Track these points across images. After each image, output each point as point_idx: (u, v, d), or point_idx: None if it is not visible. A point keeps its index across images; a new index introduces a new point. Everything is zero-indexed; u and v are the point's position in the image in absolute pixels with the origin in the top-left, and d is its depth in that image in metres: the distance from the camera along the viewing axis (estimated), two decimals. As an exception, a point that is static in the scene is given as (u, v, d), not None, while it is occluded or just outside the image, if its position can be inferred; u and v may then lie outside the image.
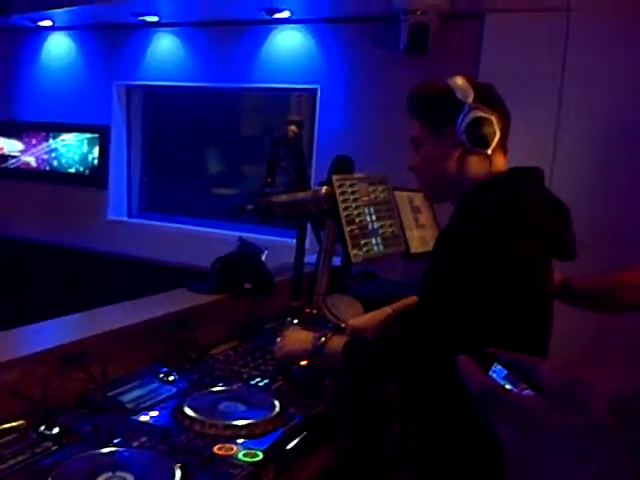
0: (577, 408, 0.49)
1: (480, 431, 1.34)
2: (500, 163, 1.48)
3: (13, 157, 5.43)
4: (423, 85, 1.55)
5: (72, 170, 5.22)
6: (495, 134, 1.43)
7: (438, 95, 1.48)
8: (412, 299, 1.83)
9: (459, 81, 1.45)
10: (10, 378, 1.40)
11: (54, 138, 5.27)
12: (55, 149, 5.28)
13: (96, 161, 5.08)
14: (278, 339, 1.74)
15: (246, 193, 4.07)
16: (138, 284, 2.74)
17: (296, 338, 1.65)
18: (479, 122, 1.41)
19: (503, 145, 1.48)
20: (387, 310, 1.85)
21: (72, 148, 5.20)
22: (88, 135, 5.11)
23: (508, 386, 0.56)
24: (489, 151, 1.43)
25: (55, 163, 5.28)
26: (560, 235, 1.46)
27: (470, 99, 1.42)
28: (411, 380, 1.45)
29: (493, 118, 1.43)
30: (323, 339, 1.53)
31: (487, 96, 1.46)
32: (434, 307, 1.35)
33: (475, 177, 1.45)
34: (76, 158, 5.19)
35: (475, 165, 1.45)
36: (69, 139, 5.20)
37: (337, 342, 1.52)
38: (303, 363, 1.69)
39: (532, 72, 3.28)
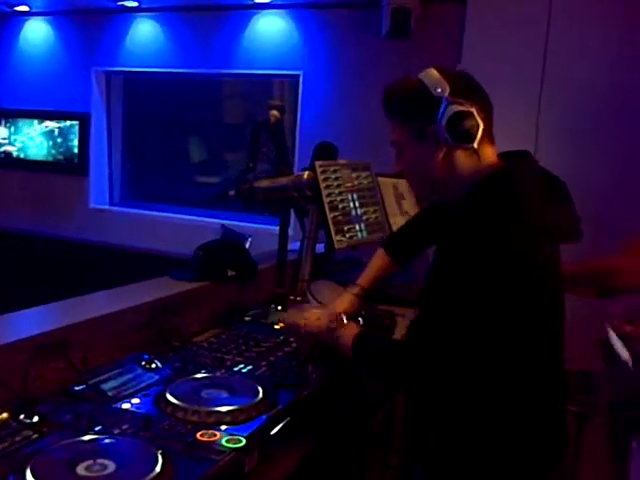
0: None
1: (485, 438, 1.35)
2: (489, 154, 1.41)
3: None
4: (395, 84, 1.47)
5: (52, 158, 5.15)
6: (478, 126, 1.36)
7: (413, 93, 1.39)
8: (378, 265, 1.84)
9: (432, 74, 1.37)
10: (-11, 367, 1.38)
11: (33, 126, 5.19)
12: (35, 137, 5.21)
13: (76, 149, 5.02)
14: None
15: (229, 181, 4.05)
16: (120, 272, 2.72)
17: (313, 317, 1.64)
18: (459, 116, 1.34)
19: (489, 135, 1.41)
20: (353, 291, 1.81)
21: (52, 136, 5.13)
22: (68, 122, 5.04)
23: None
24: (475, 145, 1.36)
25: (35, 151, 5.21)
26: (562, 225, 1.42)
27: (446, 93, 1.34)
28: (420, 386, 1.42)
29: (473, 110, 1.35)
30: (335, 324, 1.54)
31: (464, 87, 1.38)
32: (448, 319, 1.30)
33: (466, 173, 1.39)
34: (57, 146, 5.13)
35: (463, 161, 1.38)
36: (49, 126, 5.12)
37: (346, 333, 1.52)
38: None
39: (515, 55, 3.28)
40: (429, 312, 1.35)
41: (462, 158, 1.38)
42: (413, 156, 1.43)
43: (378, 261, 1.88)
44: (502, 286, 1.27)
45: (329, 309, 1.72)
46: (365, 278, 1.85)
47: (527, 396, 1.37)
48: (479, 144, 1.37)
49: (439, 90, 1.34)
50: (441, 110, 1.33)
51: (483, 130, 1.37)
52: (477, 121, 1.35)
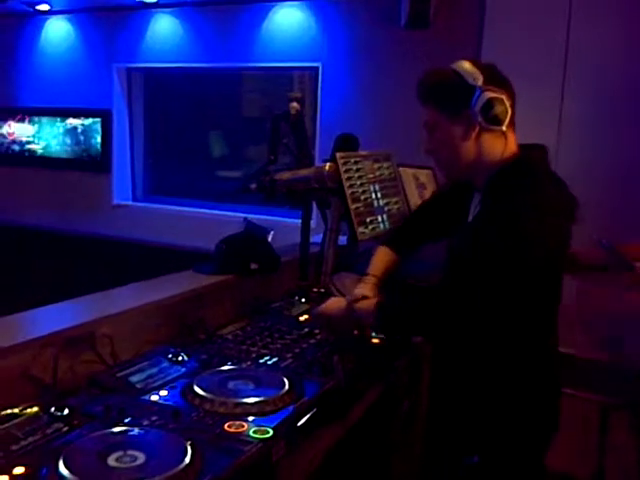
0: None
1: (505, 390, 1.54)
2: (512, 140, 1.57)
3: (24, 142, 5.41)
4: (432, 73, 1.61)
5: (75, 155, 5.21)
6: (507, 112, 1.53)
7: (449, 82, 1.55)
8: (383, 259, 1.93)
9: (466, 65, 1.53)
10: (20, 361, 1.40)
11: (56, 124, 5.25)
12: (58, 135, 5.27)
13: (99, 146, 5.07)
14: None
15: (250, 174, 4.06)
16: (144, 267, 2.74)
17: (334, 301, 1.83)
18: (492, 102, 1.50)
19: (513, 122, 1.56)
20: (371, 280, 1.87)
21: (75, 133, 5.19)
22: (90, 119, 5.09)
23: None
24: (504, 128, 1.53)
25: (58, 149, 5.27)
26: (574, 208, 1.56)
27: (480, 82, 1.51)
28: (440, 338, 1.63)
29: (504, 97, 1.52)
30: (354, 297, 1.71)
31: (494, 76, 1.54)
32: (471, 281, 1.47)
33: (493, 155, 1.55)
34: (79, 143, 5.18)
35: (492, 143, 1.55)
36: (72, 124, 5.18)
37: (365, 304, 1.68)
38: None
39: (535, 44, 3.24)
40: (460, 273, 1.50)
41: (491, 140, 1.55)
42: (446, 136, 1.57)
43: (381, 255, 1.95)
44: (530, 258, 1.44)
45: (349, 296, 1.79)
46: (375, 269, 1.90)
47: (530, 355, 1.57)
48: (507, 128, 1.54)
49: (474, 78, 1.51)
50: (476, 96, 1.50)
51: (510, 115, 1.53)
52: (507, 107, 1.52)
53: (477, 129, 1.53)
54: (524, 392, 1.57)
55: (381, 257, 1.93)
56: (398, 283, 2.01)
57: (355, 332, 1.81)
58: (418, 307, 1.58)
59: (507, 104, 1.52)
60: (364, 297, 1.71)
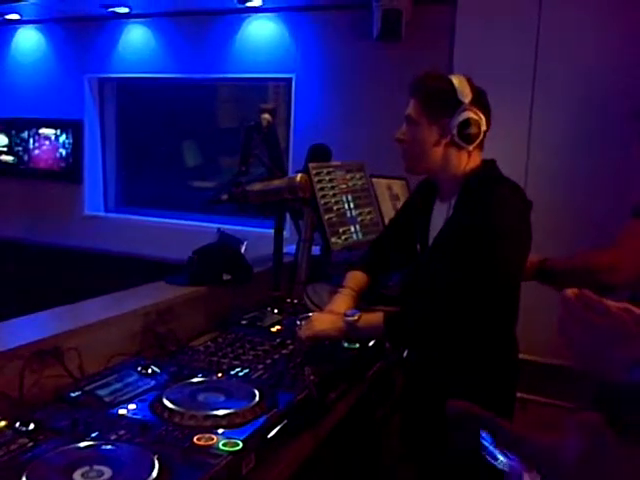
0: None
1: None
2: (477, 159, 1.73)
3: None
4: (431, 75, 1.73)
5: (46, 166, 5.14)
6: (479, 135, 1.68)
7: (442, 89, 1.67)
8: (357, 277, 1.97)
9: (462, 81, 1.67)
10: (-16, 375, 1.37)
11: (27, 134, 5.18)
12: (29, 145, 5.20)
13: (71, 156, 5.01)
14: (301, 323, 1.83)
15: (223, 185, 4.05)
16: (116, 279, 2.71)
17: (325, 320, 1.78)
18: (470, 122, 1.65)
19: (482, 144, 1.73)
20: (348, 292, 1.90)
21: (45, 143, 5.12)
22: (61, 130, 5.03)
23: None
24: (470, 148, 1.69)
25: (28, 159, 5.20)
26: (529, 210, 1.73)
27: (467, 100, 1.65)
28: (451, 348, 1.67)
29: (482, 121, 1.67)
30: (356, 317, 1.70)
31: (482, 101, 1.69)
32: (462, 288, 1.60)
33: (455, 167, 1.71)
34: (50, 154, 5.12)
35: (456, 157, 1.70)
36: (42, 134, 5.11)
37: (371, 317, 1.70)
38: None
39: (505, 56, 3.29)
40: (449, 284, 1.62)
41: (456, 154, 1.70)
42: (420, 134, 1.70)
43: (355, 275, 1.99)
44: (509, 250, 1.61)
45: (333, 312, 1.79)
46: (352, 284, 1.94)
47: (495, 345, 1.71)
48: (473, 148, 1.70)
49: (463, 95, 1.65)
50: (459, 111, 1.64)
51: (480, 139, 1.70)
52: (480, 130, 1.68)
53: (448, 140, 1.67)
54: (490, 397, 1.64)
55: (355, 276, 1.98)
56: (371, 294, 2.03)
57: (326, 342, 1.81)
58: (428, 317, 1.65)
59: (481, 129, 1.67)
60: (355, 312, 1.73)
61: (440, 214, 1.78)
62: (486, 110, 1.70)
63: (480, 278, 1.59)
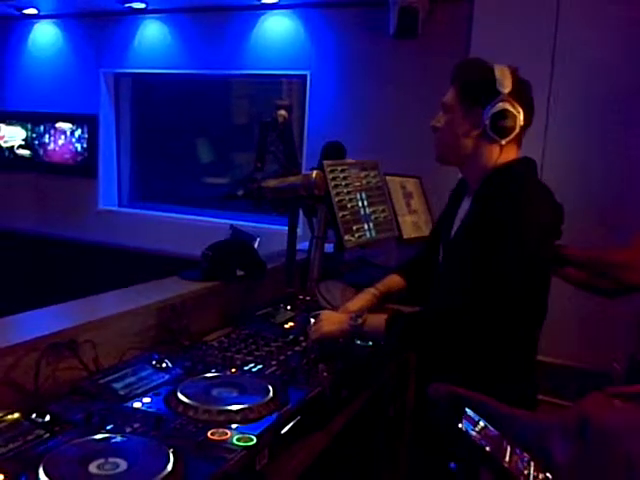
0: None
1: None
2: (511, 154, 1.63)
3: (13, 146, 5.34)
4: (473, 63, 1.68)
5: (61, 160, 5.17)
6: (514, 129, 1.57)
7: (481, 77, 1.59)
8: (392, 279, 1.97)
9: (504, 71, 1.57)
10: (1, 367, 1.39)
11: (43, 128, 5.22)
12: (45, 139, 5.23)
13: (86, 150, 5.04)
14: (312, 322, 1.79)
15: (237, 181, 4.06)
16: (130, 273, 2.72)
17: (332, 320, 1.76)
18: (505, 114, 1.55)
19: (519, 139, 1.62)
20: (371, 291, 1.92)
21: (61, 138, 5.15)
22: (77, 125, 5.06)
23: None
24: (503, 142, 1.58)
25: (43, 153, 5.23)
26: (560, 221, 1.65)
27: (506, 90, 1.55)
28: (457, 351, 1.58)
29: (520, 115, 1.56)
30: (360, 320, 1.68)
31: (523, 94, 1.59)
32: (485, 286, 1.51)
33: (485, 160, 1.61)
34: (65, 148, 5.15)
35: (487, 150, 1.60)
36: (59, 129, 5.15)
37: (375, 319, 1.67)
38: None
39: (523, 53, 3.26)
40: (475, 284, 1.53)
41: (487, 147, 1.61)
42: (454, 122, 1.63)
43: (390, 276, 2.00)
44: (531, 247, 1.52)
45: (344, 309, 1.81)
46: (381, 285, 1.95)
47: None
48: (507, 143, 1.59)
49: (502, 85, 1.54)
50: (495, 101, 1.54)
51: (517, 134, 1.59)
52: (516, 124, 1.57)
53: (480, 131, 1.59)
54: (508, 395, 1.60)
55: (391, 278, 1.98)
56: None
57: (340, 340, 1.81)
58: (434, 322, 1.60)
59: (518, 123, 1.56)
60: (361, 314, 1.71)
61: (463, 211, 1.72)
62: (527, 104, 1.60)
63: (506, 276, 1.51)
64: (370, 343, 1.89)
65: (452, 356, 1.62)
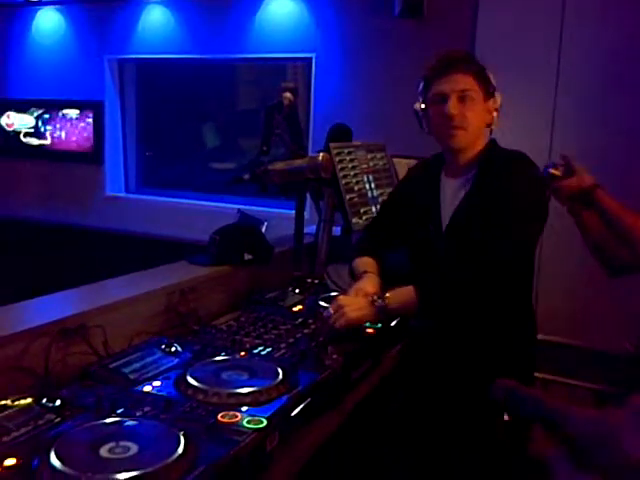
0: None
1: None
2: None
3: (21, 133, 5.35)
4: (471, 55, 1.88)
5: (68, 147, 5.17)
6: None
7: (484, 69, 1.77)
8: (369, 262, 1.94)
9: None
10: (12, 352, 1.39)
11: (49, 115, 5.21)
12: (47, 126, 5.23)
13: (92, 137, 5.04)
14: (330, 309, 1.73)
15: (244, 165, 4.04)
16: (138, 259, 2.73)
17: (355, 306, 1.71)
18: (500, 108, 1.79)
19: None
20: (370, 274, 1.87)
21: (67, 125, 5.15)
22: (82, 111, 5.05)
23: None
24: (493, 126, 1.81)
25: (49, 140, 5.23)
26: None
27: (494, 81, 1.77)
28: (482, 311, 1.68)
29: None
30: (381, 301, 1.69)
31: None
32: (510, 249, 1.65)
33: (479, 145, 1.79)
34: (71, 135, 5.14)
35: (486, 135, 1.82)
36: (66, 116, 5.14)
37: (399, 294, 1.69)
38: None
39: (529, 34, 3.22)
40: (496, 245, 1.64)
41: (487, 131, 1.81)
42: (479, 109, 1.74)
43: (365, 260, 1.95)
44: (538, 205, 1.71)
45: (361, 291, 1.75)
46: (369, 268, 1.90)
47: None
48: None
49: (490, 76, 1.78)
50: (497, 91, 1.77)
51: None
52: None
53: (492, 117, 1.78)
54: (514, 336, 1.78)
55: (367, 261, 1.94)
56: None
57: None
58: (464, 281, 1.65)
59: None
60: (382, 294, 1.70)
61: (453, 191, 1.79)
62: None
63: (524, 244, 1.69)
64: (379, 325, 1.88)
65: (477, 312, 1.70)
